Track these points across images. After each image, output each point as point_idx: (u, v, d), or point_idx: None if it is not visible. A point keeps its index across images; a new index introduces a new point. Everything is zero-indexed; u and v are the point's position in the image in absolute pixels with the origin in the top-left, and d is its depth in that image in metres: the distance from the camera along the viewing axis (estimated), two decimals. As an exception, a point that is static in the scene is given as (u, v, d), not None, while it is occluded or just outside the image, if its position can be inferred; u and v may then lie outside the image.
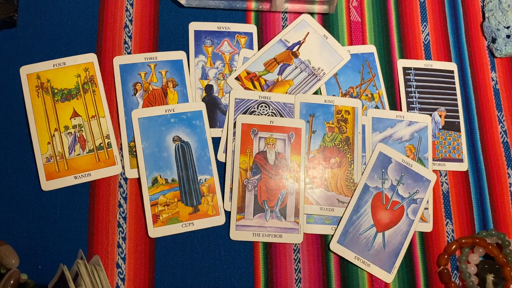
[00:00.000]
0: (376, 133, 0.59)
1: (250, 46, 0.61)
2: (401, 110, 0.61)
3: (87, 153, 0.54)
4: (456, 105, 0.62)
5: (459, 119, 0.61)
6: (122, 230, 0.53)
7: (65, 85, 0.56)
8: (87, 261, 0.44)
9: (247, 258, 0.54)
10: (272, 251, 0.54)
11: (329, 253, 0.55)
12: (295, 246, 0.55)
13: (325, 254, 0.55)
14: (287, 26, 0.62)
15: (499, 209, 0.59)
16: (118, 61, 0.58)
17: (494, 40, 0.64)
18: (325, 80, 0.60)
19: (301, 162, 0.56)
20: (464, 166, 0.60)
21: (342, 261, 0.55)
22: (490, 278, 0.54)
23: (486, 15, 0.65)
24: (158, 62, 0.58)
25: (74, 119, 0.55)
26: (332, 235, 0.55)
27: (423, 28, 0.65)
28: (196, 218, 0.54)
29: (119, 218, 0.53)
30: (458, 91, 0.62)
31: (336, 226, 0.55)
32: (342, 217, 0.55)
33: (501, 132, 0.62)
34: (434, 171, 0.59)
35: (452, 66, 0.63)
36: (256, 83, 0.59)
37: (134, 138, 0.55)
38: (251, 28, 0.61)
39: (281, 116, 0.58)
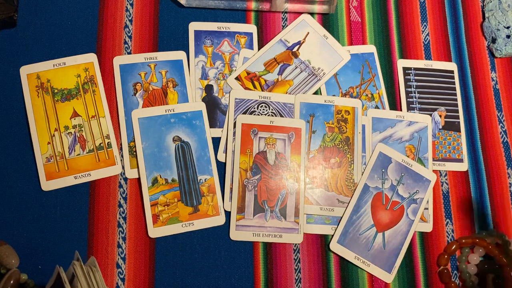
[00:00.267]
0: (376, 133, 0.59)
1: (250, 46, 0.61)
2: (401, 110, 0.61)
3: (87, 153, 0.54)
4: (456, 105, 0.62)
5: (459, 119, 0.61)
6: (122, 230, 0.53)
7: (65, 85, 0.56)
8: (83, 263, 0.44)
9: (247, 258, 0.54)
10: (272, 251, 0.54)
11: (329, 253, 0.55)
12: (295, 246, 0.55)
13: (325, 254, 0.55)
14: (287, 26, 0.62)
15: (499, 209, 0.59)
16: (118, 61, 0.58)
17: (494, 40, 0.64)
18: (325, 80, 0.60)
19: (301, 162, 0.56)
20: (464, 166, 0.60)
21: (342, 261, 0.55)
22: (490, 278, 0.54)
23: (486, 15, 0.65)
24: (158, 62, 0.58)
25: (74, 119, 0.55)
26: (332, 235, 0.55)
27: (423, 28, 0.65)
28: (196, 218, 0.54)
29: (119, 218, 0.53)
30: (458, 91, 0.62)
31: (336, 226, 0.55)
32: (342, 217, 0.55)
33: (501, 132, 0.62)
34: (434, 171, 0.59)
35: (452, 66, 0.63)
36: (256, 83, 0.59)
37: (134, 138, 0.55)
38: (251, 28, 0.61)
39: (281, 116, 0.58)
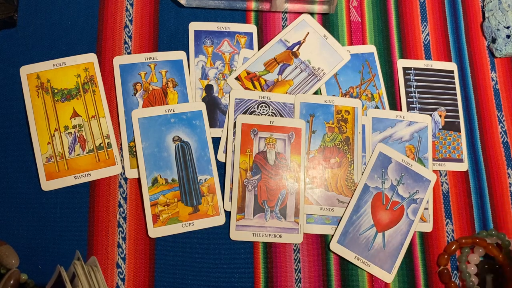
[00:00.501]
0: (376, 133, 0.59)
1: (250, 46, 0.61)
2: (401, 110, 0.61)
3: (87, 153, 0.54)
4: (456, 105, 0.62)
5: (459, 119, 0.61)
6: (122, 230, 0.53)
7: (65, 85, 0.56)
8: (84, 262, 0.44)
9: (247, 258, 0.54)
10: (272, 251, 0.54)
11: (329, 253, 0.55)
12: (295, 246, 0.55)
13: (325, 254, 0.55)
14: (287, 26, 0.62)
15: (499, 209, 0.59)
16: (118, 61, 0.58)
17: (494, 40, 0.64)
18: (325, 80, 0.60)
19: (301, 162, 0.56)
20: (464, 166, 0.60)
21: (342, 261, 0.55)
22: (490, 278, 0.54)
23: (486, 15, 0.65)
24: (158, 62, 0.58)
25: (74, 119, 0.55)
26: (332, 235, 0.55)
27: (423, 28, 0.65)
28: (196, 218, 0.54)
29: (119, 218, 0.53)
30: (458, 91, 0.62)
31: (336, 226, 0.55)
32: (342, 217, 0.55)
33: (501, 132, 0.62)
34: (434, 171, 0.59)
35: (452, 66, 0.63)
36: (256, 83, 0.59)
37: (134, 138, 0.55)
38: (251, 28, 0.61)
39: (281, 116, 0.58)
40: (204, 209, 0.54)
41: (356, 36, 0.63)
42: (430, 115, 0.61)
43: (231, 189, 0.55)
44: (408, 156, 0.58)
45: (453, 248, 0.55)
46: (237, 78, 0.59)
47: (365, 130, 0.59)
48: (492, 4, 0.65)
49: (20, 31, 0.58)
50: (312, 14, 0.63)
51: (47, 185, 0.53)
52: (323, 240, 0.55)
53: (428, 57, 0.64)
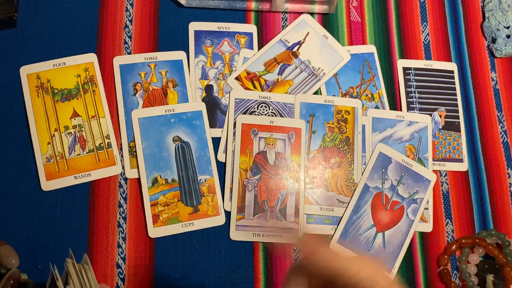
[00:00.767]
0: (376, 133, 0.59)
1: (250, 46, 0.61)
2: (401, 110, 0.61)
3: (87, 153, 0.54)
4: (456, 105, 0.62)
5: (459, 119, 0.61)
6: (122, 230, 0.53)
7: (65, 85, 0.56)
8: (79, 260, 0.44)
9: (247, 258, 0.54)
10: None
11: (329, 253, 0.55)
12: (295, 246, 0.55)
13: (325, 254, 0.55)
14: (287, 26, 0.62)
15: (499, 209, 0.59)
16: (118, 61, 0.58)
17: (494, 40, 0.64)
18: (325, 80, 0.60)
19: (301, 162, 0.56)
20: (464, 166, 0.60)
21: (342, 261, 0.55)
22: (490, 278, 0.54)
23: (486, 15, 0.65)
24: (158, 62, 0.58)
25: (74, 119, 0.55)
26: (332, 235, 0.55)
27: (423, 28, 0.65)
28: (196, 218, 0.54)
29: (119, 218, 0.53)
30: (458, 91, 0.62)
31: (336, 226, 0.55)
32: (342, 217, 0.55)
33: (501, 132, 0.62)
34: (434, 171, 0.59)
35: (452, 66, 0.63)
36: (256, 83, 0.59)
37: (134, 138, 0.55)
38: (251, 28, 0.61)
39: (281, 116, 0.58)
40: (204, 209, 0.54)
41: (356, 36, 0.63)
42: (430, 115, 0.61)
43: (231, 189, 0.55)
44: (408, 156, 0.58)
45: (453, 248, 0.55)
46: (237, 78, 0.59)
47: (365, 130, 0.59)
48: (492, 4, 0.65)
49: (20, 31, 0.58)
50: (312, 14, 0.63)
51: (47, 185, 0.53)
52: (323, 240, 0.55)
53: (428, 57, 0.64)
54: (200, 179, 0.55)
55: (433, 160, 0.59)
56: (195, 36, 0.60)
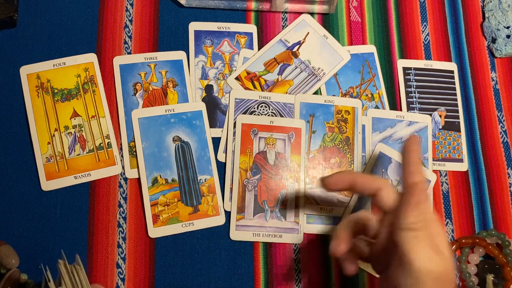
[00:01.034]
0: (376, 133, 0.59)
1: (250, 46, 0.61)
2: (401, 110, 0.61)
3: (87, 153, 0.54)
4: (456, 105, 0.62)
5: (459, 119, 0.61)
6: (122, 230, 0.53)
7: (65, 85, 0.56)
8: (72, 261, 0.45)
9: (247, 258, 0.54)
10: (272, 251, 0.54)
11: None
12: (295, 246, 0.55)
13: (325, 254, 0.55)
14: (287, 26, 0.62)
15: (499, 209, 0.59)
16: (118, 61, 0.58)
17: (494, 40, 0.64)
18: (325, 80, 0.60)
19: (301, 162, 0.56)
20: (464, 166, 0.60)
21: (342, 261, 0.55)
22: (490, 278, 0.54)
23: (486, 15, 0.65)
24: (158, 62, 0.58)
25: (74, 119, 0.55)
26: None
27: (423, 28, 0.65)
28: (196, 218, 0.54)
29: (119, 218, 0.53)
30: (458, 91, 0.62)
31: (336, 226, 0.55)
32: (342, 217, 0.55)
33: (501, 132, 0.62)
34: (434, 171, 0.59)
35: (452, 66, 0.63)
36: (256, 83, 0.59)
37: (134, 138, 0.55)
38: (251, 28, 0.61)
39: (281, 116, 0.58)
40: (204, 209, 0.54)
41: (356, 36, 0.63)
42: (430, 115, 0.61)
43: (231, 189, 0.55)
44: (408, 156, 0.58)
45: (453, 248, 0.55)
46: (237, 78, 0.59)
47: (365, 130, 0.59)
48: (492, 4, 0.65)
49: (20, 31, 0.58)
50: (312, 14, 0.63)
51: (47, 185, 0.53)
52: (323, 240, 0.55)
53: (428, 57, 0.64)
54: (200, 179, 0.55)
55: (433, 160, 0.59)
56: (195, 36, 0.60)
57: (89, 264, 0.52)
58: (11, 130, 0.55)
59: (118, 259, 0.52)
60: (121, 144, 0.56)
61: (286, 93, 0.59)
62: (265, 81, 0.59)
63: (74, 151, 0.54)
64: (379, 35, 0.64)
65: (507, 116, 0.63)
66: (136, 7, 0.61)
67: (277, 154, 0.56)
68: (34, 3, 0.59)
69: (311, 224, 0.55)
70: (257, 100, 0.58)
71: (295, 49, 0.61)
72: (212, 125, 0.57)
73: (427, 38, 0.65)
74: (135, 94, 0.57)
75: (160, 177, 0.54)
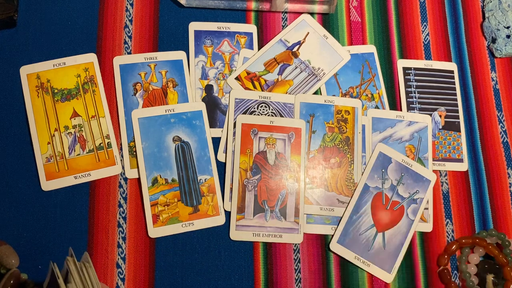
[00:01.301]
0: (376, 133, 0.59)
1: (250, 46, 0.61)
2: (401, 110, 0.61)
3: (87, 153, 0.54)
4: (456, 105, 0.62)
5: (459, 119, 0.61)
6: (122, 230, 0.53)
7: (65, 85, 0.56)
8: (78, 259, 0.44)
9: (247, 258, 0.54)
10: (272, 251, 0.54)
11: (329, 253, 0.55)
12: (295, 246, 0.55)
13: (325, 254, 0.55)
14: (287, 26, 0.62)
15: (499, 209, 0.59)
16: (118, 61, 0.58)
17: (494, 40, 0.64)
18: (325, 80, 0.60)
19: (301, 162, 0.56)
20: (464, 166, 0.60)
21: (342, 261, 0.55)
22: (490, 278, 0.54)
23: (486, 15, 0.65)
24: (158, 62, 0.58)
25: (74, 119, 0.55)
26: (332, 235, 0.55)
27: (423, 28, 0.65)
28: (196, 218, 0.54)
29: (119, 218, 0.53)
30: (458, 91, 0.62)
31: (336, 226, 0.55)
32: (342, 217, 0.55)
33: (501, 132, 0.62)
34: (434, 171, 0.59)
35: (452, 66, 0.63)
36: (256, 83, 0.59)
37: (134, 138, 0.55)
38: (251, 28, 0.61)
39: (281, 116, 0.58)
40: (204, 209, 0.54)
41: (356, 36, 0.63)
42: (430, 115, 0.61)
43: (231, 189, 0.55)
44: (408, 156, 0.58)
45: (453, 248, 0.55)
46: (237, 78, 0.59)
47: (365, 130, 0.59)
48: (492, 4, 0.65)
49: (20, 31, 0.58)
50: (312, 14, 0.63)
51: (47, 185, 0.53)
52: (323, 240, 0.55)
53: (428, 57, 0.64)
54: (200, 179, 0.55)
55: (433, 160, 0.59)
56: (195, 36, 0.60)
57: (89, 264, 0.52)
58: (11, 130, 0.55)
59: (118, 259, 0.52)
60: (121, 144, 0.56)
61: (286, 93, 0.59)
62: (265, 81, 0.59)
63: (74, 151, 0.54)
64: (379, 35, 0.64)
65: (507, 116, 0.63)
66: (136, 7, 0.61)
67: (277, 154, 0.56)
68: (34, 3, 0.59)
69: (311, 224, 0.55)
70: (257, 100, 0.58)
71: (295, 49, 0.61)
72: (212, 125, 0.57)
73: (427, 38, 0.65)
74: (135, 94, 0.57)
75: (160, 177, 0.54)
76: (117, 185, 0.54)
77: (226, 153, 0.56)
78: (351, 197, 0.56)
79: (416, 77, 0.62)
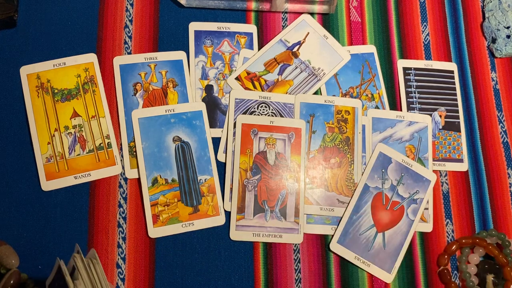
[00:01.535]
0: (376, 133, 0.59)
1: (250, 46, 0.61)
2: (401, 110, 0.61)
3: (87, 153, 0.54)
4: (456, 105, 0.62)
5: (459, 119, 0.61)
6: (122, 230, 0.53)
7: (65, 85, 0.56)
8: (83, 255, 0.44)
9: (247, 258, 0.54)
10: (272, 251, 0.54)
11: (329, 253, 0.55)
12: (295, 246, 0.55)
13: (325, 254, 0.55)
14: (287, 26, 0.62)
15: (499, 209, 0.59)
16: (118, 61, 0.58)
17: (494, 40, 0.64)
18: (325, 80, 0.60)
19: (301, 162, 0.56)
20: (464, 166, 0.60)
21: (342, 261, 0.55)
22: (490, 278, 0.54)
23: (486, 15, 0.65)
24: (158, 62, 0.58)
25: (74, 119, 0.55)
26: (332, 235, 0.55)
27: (423, 28, 0.65)
28: (196, 218, 0.54)
29: (119, 218, 0.53)
30: (458, 91, 0.62)
31: (336, 226, 0.55)
32: (342, 217, 0.55)
33: (501, 132, 0.62)
34: (434, 171, 0.59)
35: (452, 66, 0.63)
36: (256, 83, 0.59)
37: (134, 138, 0.55)
38: (251, 28, 0.61)
39: (281, 116, 0.58)
40: (204, 209, 0.54)
41: (356, 36, 0.63)
42: (430, 115, 0.61)
43: (231, 189, 0.55)
44: (408, 156, 0.58)
45: (453, 248, 0.55)
46: (237, 78, 0.59)
47: (365, 130, 0.59)
48: (492, 4, 0.65)
49: (20, 31, 0.58)
50: (312, 14, 0.63)
51: (47, 185, 0.53)
52: (323, 240, 0.55)
53: (428, 57, 0.64)
54: (200, 179, 0.55)
55: (433, 160, 0.59)
56: (195, 36, 0.60)
57: (89, 264, 0.52)
58: (11, 130, 0.55)
59: (118, 259, 0.52)
60: (121, 144, 0.56)
61: (286, 93, 0.59)
62: (265, 81, 0.59)
63: (74, 151, 0.54)
64: (379, 35, 0.64)
65: (507, 116, 0.63)
66: (136, 7, 0.61)
67: (277, 154, 0.56)
68: (34, 3, 0.59)
69: (311, 224, 0.55)
70: (257, 100, 0.58)
71: (295, 49, 0.61)
72: (212, 125, 0.57)
73: (427, 38, 0.65)
74: (135, 94, 0.57)
75: (160, 177, 0.54)
76: (117, 185, 0.54)
77: (226, 153, 0.56)
78: (351, 197, 0.56)
79: (416, 77, 0.62)
